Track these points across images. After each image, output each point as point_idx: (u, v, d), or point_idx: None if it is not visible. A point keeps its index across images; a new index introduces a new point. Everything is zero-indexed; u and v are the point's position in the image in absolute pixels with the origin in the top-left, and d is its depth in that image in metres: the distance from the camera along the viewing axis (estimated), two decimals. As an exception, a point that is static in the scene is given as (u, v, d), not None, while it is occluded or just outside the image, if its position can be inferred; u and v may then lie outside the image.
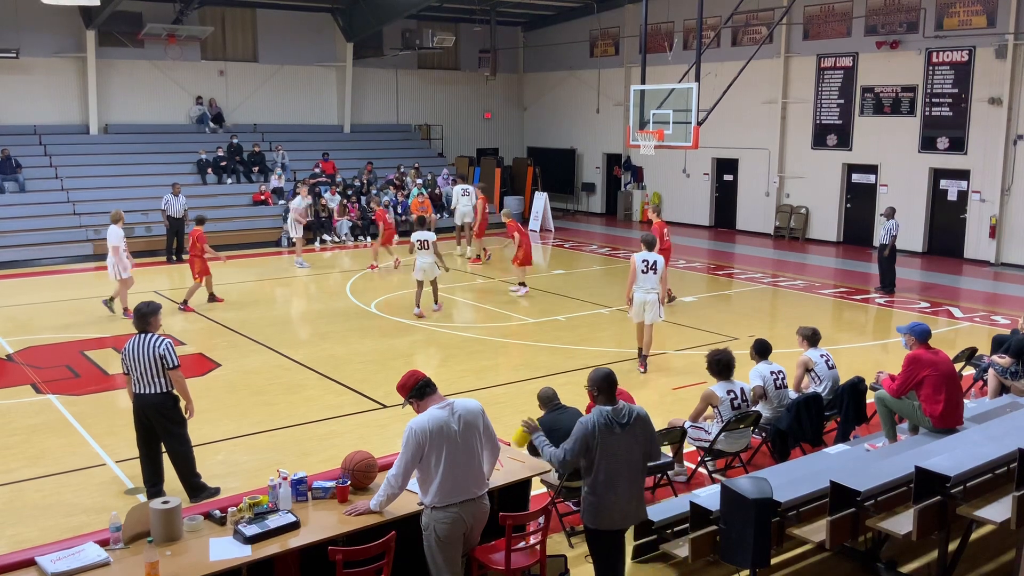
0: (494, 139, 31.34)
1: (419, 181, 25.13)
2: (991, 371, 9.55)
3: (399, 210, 23.96)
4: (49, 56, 23.25)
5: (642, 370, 11.46)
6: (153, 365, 7.14)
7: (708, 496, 6.24)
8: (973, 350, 10.31)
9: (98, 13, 21.74)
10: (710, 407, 8.01)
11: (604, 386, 5.44)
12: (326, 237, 22.78)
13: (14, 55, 22.35)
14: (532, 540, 5.65)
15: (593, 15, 27.41)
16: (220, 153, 24.17)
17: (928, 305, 15.74)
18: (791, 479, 6.35)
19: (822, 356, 8.77)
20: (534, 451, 6.53)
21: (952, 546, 6.09)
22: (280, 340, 13.15)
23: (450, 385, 10.26)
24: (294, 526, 5.16)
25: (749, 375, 8.42)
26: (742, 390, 8.04)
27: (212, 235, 20.45)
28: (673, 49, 22.73)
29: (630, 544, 6.64)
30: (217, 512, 5.26)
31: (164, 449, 7.47)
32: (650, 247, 11.51)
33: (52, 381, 11.01)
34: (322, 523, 5.27)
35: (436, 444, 5.15)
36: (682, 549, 6.19)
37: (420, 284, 14.48)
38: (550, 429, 6.38)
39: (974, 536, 6.48)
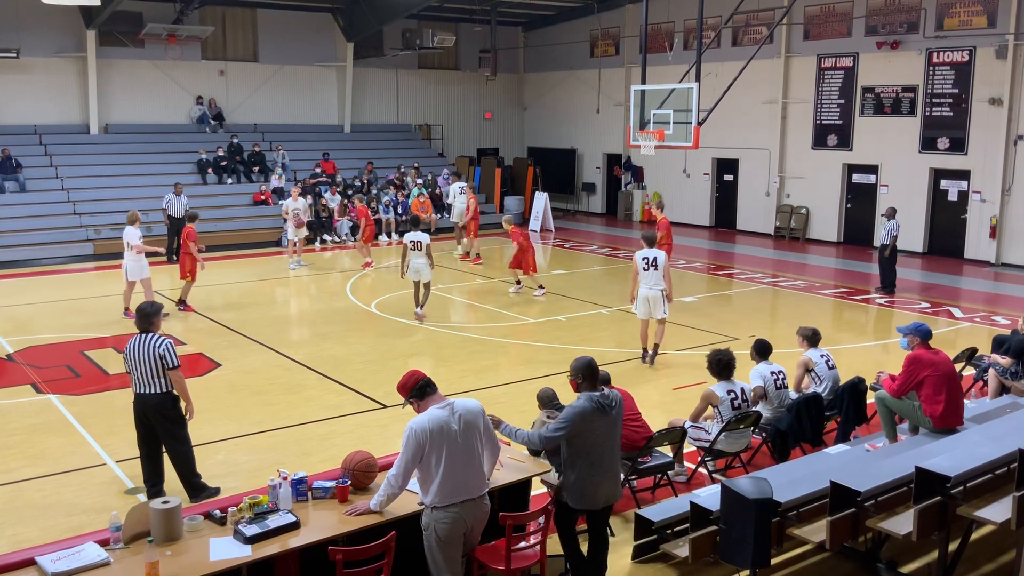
0: (494, 139, 31.35)
1: (419, 181, 25.14)
2: (991, 371, 9.55)
3: (399, 210, 23.98)
4: (49, 56, 23.26)
5: (649, 363, 11.69)
6: (153, 365, 7.14)
7: (708, 496, 6.25)
8: (973, 350, 10.31)
9: (98, 13, 21.75)
10: (710, 407, 8.01)
11: (588, 373, 5.72)
12: (326, 237, 22.80)
13: (14, 55, 22.35)
14: (532, 540, 5.65)
15: (593, 15, 27.40)
16: (220, 153, 24.18)
17: (928, 305, 15.73)
18: (791, 479, 6.35)
19: (822, 356, 8.77)
20: (535, 451, 6.54)
21: (952, 546, 6.09)
22: (280, 340, 13.15)
23: (450, 385, 10.26)
24: (294, 526, 5.16)
25: (749, 375, 8.43)
26: (742, 390, 8.04)
27: (213, 235, 20.63)
28: (673, 49, 22.73)
29: (630, 544, 6.66)
30: (217, 512, 5.26)
31: (164, 449, 7.47)
32: (650, 244, 11.71)
33: (52, 381, 11.01)
34: (322, 523, 5.27)
35: (436, 444, 5.15)
36: (682, 549, 6.20)
37: (416, 284, 14.26)
38: (551, 429, 6.39)
39: (974, 536, 6.48)
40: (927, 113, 20.67)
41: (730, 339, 12.77)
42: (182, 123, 25.52)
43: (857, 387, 8.54)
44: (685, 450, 8.09)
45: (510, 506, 5.79)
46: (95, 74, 23.53)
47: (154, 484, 7.40)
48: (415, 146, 29.05)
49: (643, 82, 16.15)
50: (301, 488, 5.54)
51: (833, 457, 7.35)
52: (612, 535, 6.90)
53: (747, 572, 5.78)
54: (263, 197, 23.66)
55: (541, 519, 5.60)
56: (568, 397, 7.42)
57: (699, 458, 8.09)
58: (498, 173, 27.34)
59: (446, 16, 28.40)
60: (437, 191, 25.28)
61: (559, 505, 5.81)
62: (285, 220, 19.72)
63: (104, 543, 4.91)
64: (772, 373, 8.40)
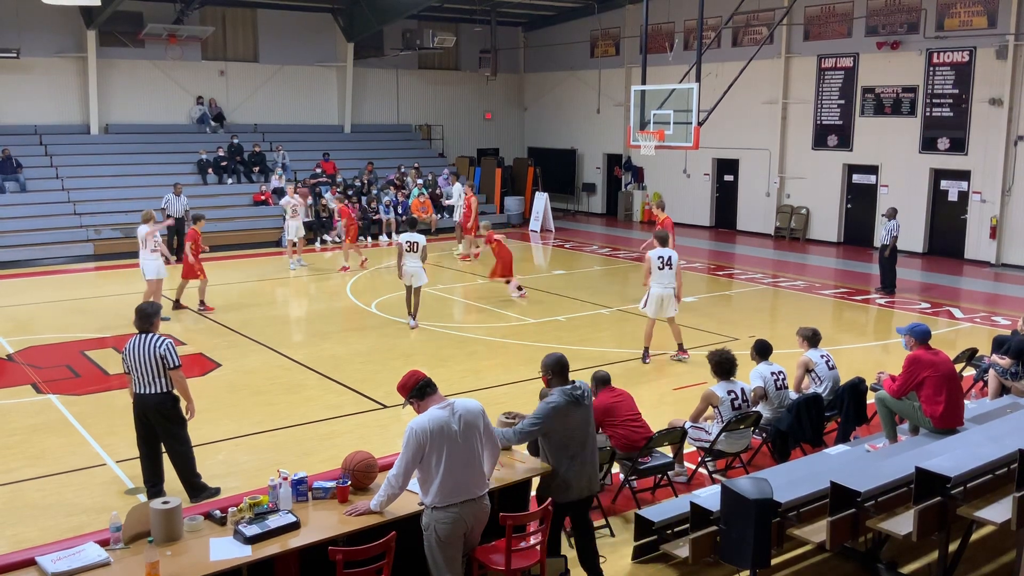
0: (495, 139, 31.35)
1: (419, 181, 25.14)
2: (991, 372, 9.56)
3: (400, 210, 23.99)
4: (50, 56, 23.26)
5: (686, 358, 11.83)
6: (153, 365, 7.14)
7: (708, 496, 6.25)
8: (973, 351, 10.31)
9: (99, 13, 21.75)
10: (710, 407, 8.02)
11: (557, 368, 5.98)
12: (327, 237, 22.79)
13: (15, 55, 22.35)
14: (532, 540, 5.65)
15: (594, 15, 27.40)
16: (221, 153, 24.18)
17: (928, 306, 15.73)
18: (791, 480, 6.35)
19: (822, 357, 8.78)
20: (535, 451, 6.54)
21: (952, 547, 6.09)
22: (280, 340, 13.15)
23: (450, 385, 10.26)
24: (294, 526, 5.16)
25: (750, 375, 8.43)
26: (742, 390, 8.04)
27: (213, 235, 20.59)
28: (674, 49, 22.73)
29: (630, 544, 6.66)
30: (217, 512, 5.26)
31: (164, 449, 7.47)
32: (664, 243, 11.83)
33: (52, 381, 11.01)
34: (322, 523, 5.27)
35: (437, 444, 5.16)
36: (682, 549, 6.20)
37: (408, 289, 13.70)
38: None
39: (974, 537, 6.48)
40: (927, 113, 20.67)
41: (730, 339, 12.77)
42: (182, 123, 25.53)
43: (857, 387, 8.55)
44: (685, 450, 8.10)
45: (510, 506, 5.79)
46: (95, 74, 23.53)
47: (154, 484, 7.40)
48: (415, 146, 29.06)
49: (643, 82, 16.15)
50: (301, 488, 5.54)
51: (833, 457, 7.35)
52: (612, 535, 6.92)
53: (747, 572, 5.78)
54: (263, 197, 23.67)
55: (541, 519, 5.60)
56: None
57: (699, 458, 8.09)
58: (498, 173, 27.34)
59: (446, 16, 28.40)
60: (437, 191, 25.29)
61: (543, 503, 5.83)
62: (284, 219, 19.73)
63: (104, 543, 4.91)
64: (772, 373, 8.40)
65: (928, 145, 20.76)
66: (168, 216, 19.78)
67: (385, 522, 5.28)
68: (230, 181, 24.10)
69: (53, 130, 23.69)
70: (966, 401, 8.21)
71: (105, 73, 23.98)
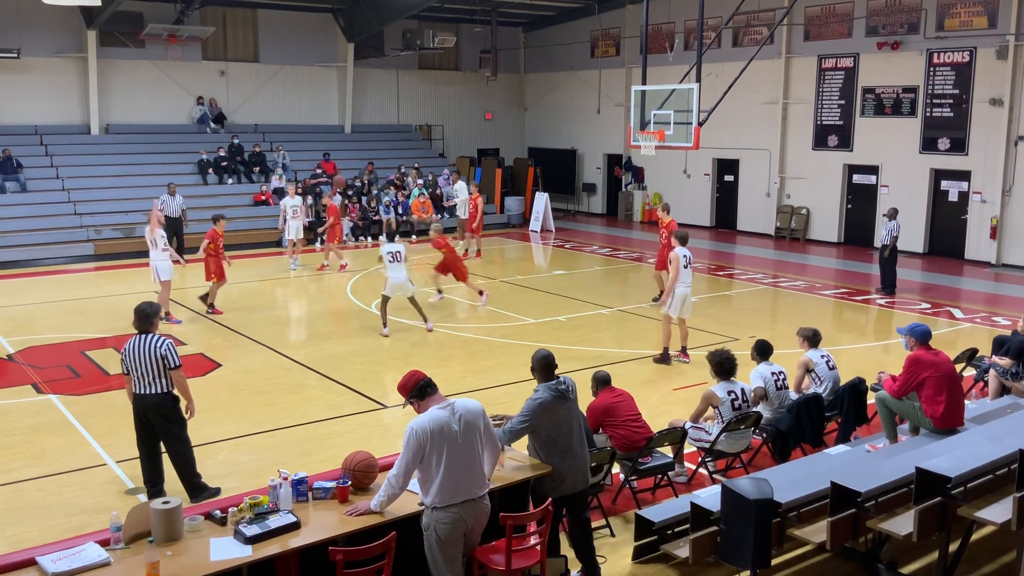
0: (495, 139, 31.35)
1: (419, 182, 25.14)
2: (992, 372, 9.55)
3: (400, 210, 23.99)
4: (50, 56, 23.26)
5: (687, 360, 11.85)
6: (154, 365, 7.14)
7: (709, 497, 6.25)
8: (974, 351, 10.31)
9: (99, 13, 21.75)
10: (711, 408, 8.02)
11: (542, 365, 6.08)
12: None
13: (15, 55, 22.36)
14: (532, 540, 5.65)
15: (594, 16, 27.40)
16: (221, 153, 24.18)
17: (929, 306, 15.73)
18: (792, 480, 6.35)
19: (823, 357, 8.78)
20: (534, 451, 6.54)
21: (953, 547, 6.09)
22: (280, 340, 13.16)
23: (450, 385, 10.25)
24: (295, 526, 5.16)
25: (750, 376, 8.43)
26: (743, 391, 8.04)
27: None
28: (674, 50, 22.74)
29: (631, 544, 6.66)
30: (218, 512, 5.26)
31: (164, 449, 7.47)
32: (684, 242, 11.98)
33: (53, 381, 11.01)
34: (323, 523, 5.27)
35: (437, 444, 5.16)
36: (683, 550, 6.20)
37: (387, 300, 13.28)
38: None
39: (975, 537, 6.48)
40: (928, 114, 20.67)
41: (730, 339, 12.77)
42: (183, 123, 25.53)
43: (857, 388, 8.54)
44: (685, 451, 8.10)
45: (510, 506, 5.79)
46: (96, 74, 23.53)
47: (154, 484, 7.40)
48: (415, 146, 29.06)
49: (643, 82, 16.14)
50: (301, 488, 5.54)
51: (833, 458, 7.35)
52: (612, 535, 6.92)
53: (747, 573, 5.79)
54: (263, 197, 23.67)
55: (541, 519, 5.60)
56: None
57: (699, 459, 8.09)
58: (498, 173, 27.34)
59: (447, 16, 28.41)
60: (437, 191, 25.30)
61: (539, 500, 5.85)
62: (284, 219, 19.76)
63: (105, 543, 4.91)
64: (773, 374, 8.40)
65: (928, 145, 20.75)
66: (164, 217, 19.78)
67: (385, 522, 5.29)
68: (230, 181, 24.10)
69: (53, 130, 23.69)
70: (966, 401, 8.21)
71: (105, 73, 23.98)
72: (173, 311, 14.43)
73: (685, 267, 11.74)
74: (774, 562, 6.14)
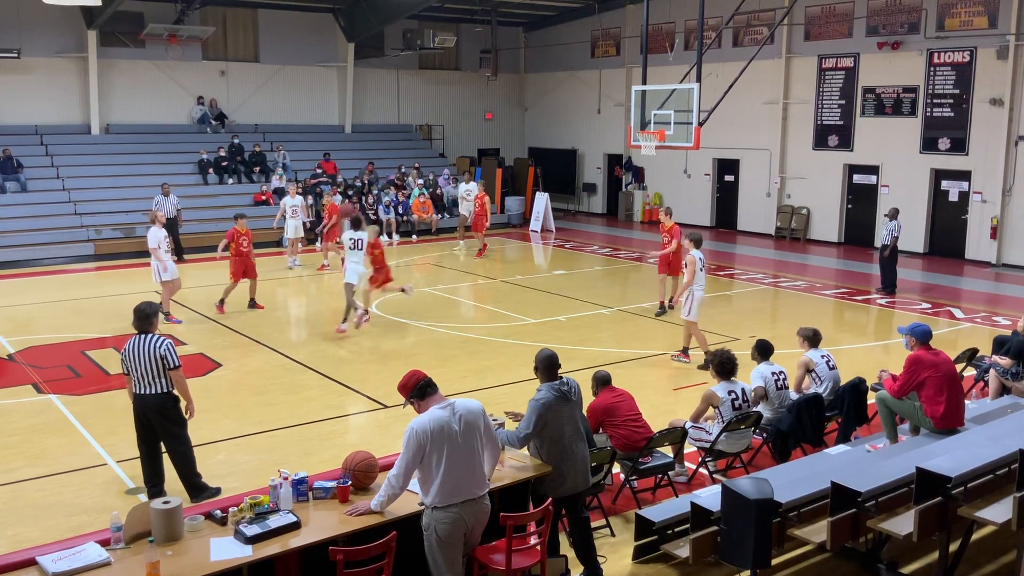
0: (495, 139, 31.35)
1: (420, 181, 25.14)
2: (992, 372, 9.55)
3: (400, 210, 23.98)
4: (51, 56, 23.26)
5: (687, 360, 11.85)
6: (153, 365, 7.14)
7: (709, 497, 6.25)
8: (974, 351, 10.31)
9: (99, 13, 21.76)
10: (711, 407, 8.02)
11: (545, 365, 6.10)
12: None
13: (16, 55, 22.36)
14: (532, 540, 5.65)
15: (594, 15, 27.41)
16: (221, 153, 24.18)
17: (929, 306, 15.73)
18: (792, 480, 6.35)
19: (823, 357, 8.78)
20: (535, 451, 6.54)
21: (953, 547, 6.09)
22: (281, 340, 13.16)
23: (451, 385, 10.25)
24: (295, 526, 5.16)
25: (750, 376, 8.43)
26: (743, 391, 8.04)
27: (213, 235, 20.49)
28: (674, 49, 22.73)
29: (631, 544, 6.66)
30: (218, 512, 5.26)
31: (164, 449, 7.47)
32: (699, 244, 11.89)
33: (53, 381, 11.01)
34: (323, 523, 5.27)
35: (437, 444, 5.16)
36: (683, 550, 6.20)
37: (351, 288, 13.00)
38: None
39: (975, 537, 6.48)
40: (928, 114, 20.67)
41: (731, 339, 12.77)
42: (183, 123, 25.53)
43: (858, 387, 8.54)
44: (686, 450, 8.10)
45: (510, 506, 5.79)
46: (96, 74, 23.54)
47: (154, 484, 7.40)
48: (416, 146, 29.06)
49: (644, 82, 16.13)
50: (302, 488, 5.54)
51: (834, 457, 7.35)
52: (612, 535, 6.92)
53: (748, 573, 5.79)
54: (264, 197, 23.66)
55: (541, 519, 5.60)
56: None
57: (700, 458, 8.09)
58: (499, 173, 27.34)
59: (447, 16, 28.41)
60: (438, 191, 25.30)
61: (539, 500, 5.85)
62: (283, 218, 19.79)
63: (105, 543, 4.91)
64: (773, 374, 8.40)
65: (929, 145, 20.75)
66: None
67: (385, 522, 5.29)
68: (231, 181, 24.10)
69: (54, 130, 23.70)
70: (967, 401, 8.21)
71: (106, 73, 23.98)
72: (174, 311, 14.43)
73: (700, 270, 11.72)
74: (774, 562, 6.14)
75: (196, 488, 7.45)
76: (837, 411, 8.59)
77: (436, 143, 29.91)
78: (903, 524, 5.75)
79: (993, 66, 19.33)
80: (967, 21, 19.78)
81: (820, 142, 23.01)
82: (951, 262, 20.12)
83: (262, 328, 13.78)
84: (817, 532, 5.87)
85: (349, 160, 26.15)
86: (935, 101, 20.51)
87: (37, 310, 15.41)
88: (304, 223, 20.30)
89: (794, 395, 8.47)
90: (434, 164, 27.59)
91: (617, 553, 6.62)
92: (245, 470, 8.26)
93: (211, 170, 23.86)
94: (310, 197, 22.63)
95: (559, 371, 6.16)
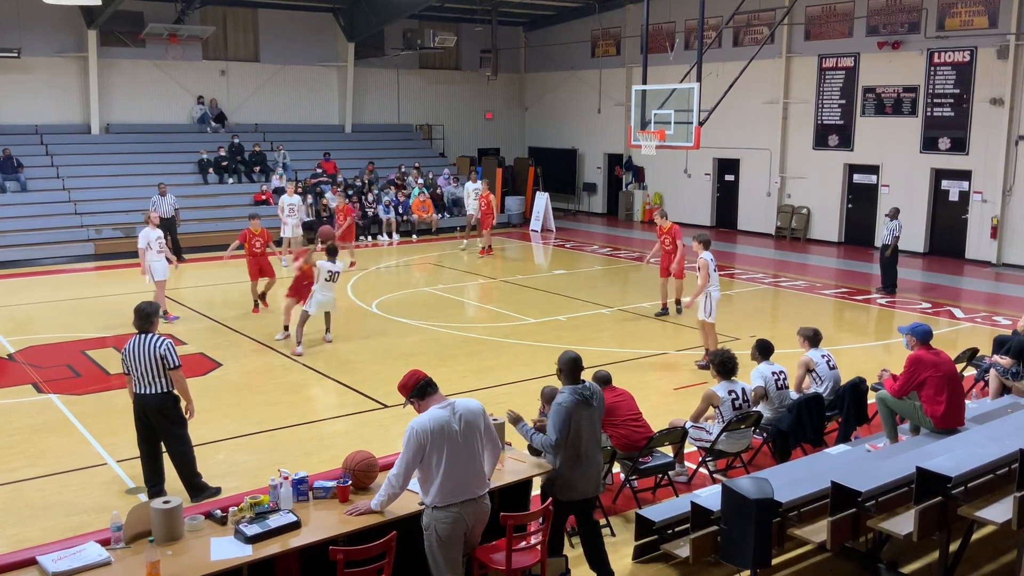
0: (495, 139, 31.35)
1: (420, 181, 25.14)
2: (992, 372, 9.55)
3: (400, 210, 23.98)
4: (51, 56, 23.26)
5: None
6: (153, 365, 7.14)
7: (709, 496, 6.24)
8: (974, 351, 10.30)
9: (99, 13, 21.76)
10: (711, 407, 8.02)
11: (568, 368, 6.03)
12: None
13: (16, 55, 22.36)
14: (533, 540, 5.65)
15: (594, 15, 27.41)
16: (221, 153, 24.18)
17: (929, 306, 15.73)
18: (792, 479, 6.35)
19: (823, 356, 8.77)
20: (535, 450, 6.54)
21: (953, 547, 6.09)
22: (281, 340, 13.13)
23: (451, 385, 10.25)
24: (295, 526, 5.16)
25: (751, 375, 8.43)
26: (743, 390, 8.04)
27: (213, 235, 20.65)
28: (674, 49, 22.74)
29: (631, 544, 6.66)
30: (218, 512, 5.26)
31: (165, 449, 7.47)
32: (708, 246, 11.90)
33: (53, 381, 11.01)
34: (323, 523, 5.28)
35: (437, 444, 5.16)
36: (683, 549, 6.20)
37: (307, 317, 12.28)
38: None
39: (975, 537, 6.48)
40: (928, 113, 20.66)
41: (731, 339, 12.77)
42: (183, 123, 25.53)
43: (858, 387, 8.54)
44: (686, 450, 8.10)
45: (510, 506, 5.79)
46: (96, 74, 23.54)
47: (155, 484, 7.41)
48: (416, 146, 29.06)
49: (644, 82, 16.14)
50: (302, 488, 5.54)
51: (834, 457, 7.35)
52: (613, 535, 6.92)
53: (748, 572, 5.79)
54: (264, 197, 23.66)
55: (541, 519, 5.60)
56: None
57: (700, 458, 8.09)
58: (499, 173, 27.35)
59: (447, 16, 28.40)
60: (438, 191, 25.29)
61: (557, 504, 5.85)
62: (281, 214, 19.79)
63: (105, 543, 4.91)
64: (773, 373, 8.40)
65: (929, 145, 20.75)
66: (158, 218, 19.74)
67: (386, 522, 5.29)
68: (231, 181, 24.10)
69: (54, 130, 23.69)
70: (967, 401, 8.21)
71: (106, 73, 23.98)
72: (171, 309, 14.42)
73: (714, 271, 11.71)
74: (774, 562, 6.14)
75: (196, 488, 7.45)
76: (837, 411, 8.59)
77: (436, 143, 29.91)
78: (903, 524, 5.75)
79: (993, 66, 19.32)
80: (967, 21, 19.77)
81: (820, 142, 23.00)
82: (951, 262, 20.11)
83: (262, 328, 13.77)
84: (817, 532, 5.87)
85: (349, 160, 26.16)
86: (935, 101, 20.51)
87: (37, 310, 15.41)
88: (302, 222, 20.27)
89: (794, 395, 8.47)
90: (434, 164, 27.60)
91: (617, 553, 6.62)
92: (245, 470, 8.26)
93: (211, 170, 23.86)
94: (309, 196, 22.62)
95: (582, 373, 6.09)
